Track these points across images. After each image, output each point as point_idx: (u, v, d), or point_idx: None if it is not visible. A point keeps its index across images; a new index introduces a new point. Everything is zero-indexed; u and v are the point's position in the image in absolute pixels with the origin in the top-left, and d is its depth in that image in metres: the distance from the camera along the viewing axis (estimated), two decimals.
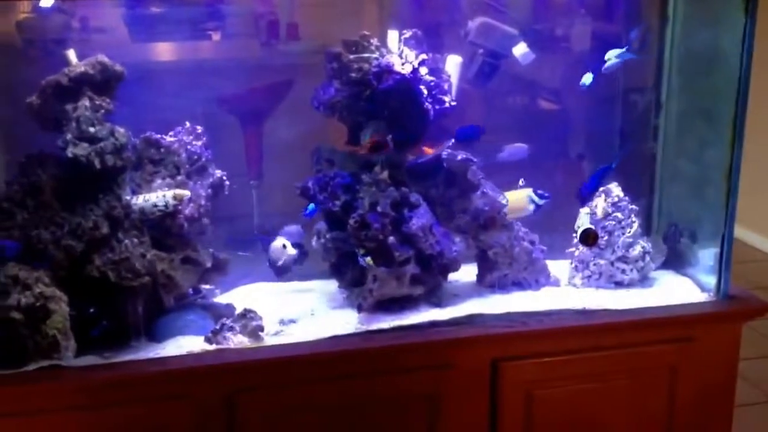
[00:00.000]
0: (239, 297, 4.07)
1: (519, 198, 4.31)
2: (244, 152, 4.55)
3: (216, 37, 4.55)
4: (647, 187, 4.72)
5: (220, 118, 4.36)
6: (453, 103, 4.09)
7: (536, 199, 4.31)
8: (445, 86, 4.12)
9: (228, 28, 4.62)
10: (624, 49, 4.41)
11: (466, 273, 4.31)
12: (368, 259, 3.88)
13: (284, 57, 4.77)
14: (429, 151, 4.08)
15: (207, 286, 4.08)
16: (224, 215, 4.01)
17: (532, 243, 4.30)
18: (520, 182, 4.32)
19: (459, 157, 4.05)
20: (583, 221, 4.05)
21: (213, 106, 4.30)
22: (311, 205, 4.11)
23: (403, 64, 3.94)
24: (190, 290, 3.96)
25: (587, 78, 4.37)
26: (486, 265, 4.30)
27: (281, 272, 3.98)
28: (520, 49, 4.34)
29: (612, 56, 4.38)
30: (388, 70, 3.90)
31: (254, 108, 4.55)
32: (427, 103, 4.00)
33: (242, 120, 4.54)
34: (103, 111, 3.62)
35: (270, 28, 4.66)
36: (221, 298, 4.02)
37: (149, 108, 4.07)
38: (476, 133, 4.18)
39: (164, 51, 4.51)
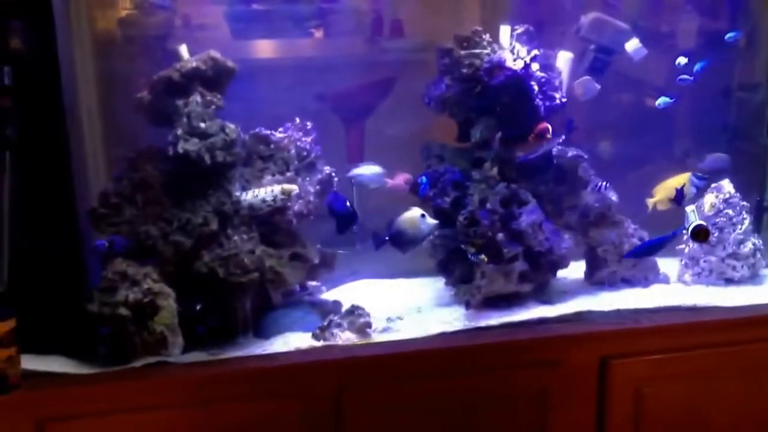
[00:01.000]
0: (345, 294, 3.78)
1: (680, 182, 3.94)
2: (347, 149, 4.16)
3: (318, 34, 4.24)
4: (759, 183, 4.29)
5: (327, 115, 4.06)
6: (563, 100, 3.70)
7: (696, 182, 3.96)
8: (556, 82, 3.74)
9: (332, 26, 4.26)
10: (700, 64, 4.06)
11: (575, 270, 3.93)
12: (482, 256, 3.55)
13: (389, 54, 4.36)
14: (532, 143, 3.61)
15: (313, 283, 3.76)
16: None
17: (641, 240, 3.87)
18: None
19: (569, 154, 3.66)
20: (693, 218, 3.49)
21: (318, 104, 4.03)
22: (423, 178, 3.71)
23: (514, 60, 3.56)
24: (297, 287, 3.64)
25: (662, 100, 4.06)
26: (595, 263, 3.92)
27: (410, 245, 3.43)
28: (633, 45, 3.95)
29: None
30: (500, 65, 3.56)
31: (357, 105, 4.20)
32: (537, 100, 3.63)
33: (344, 118, 4.18)
34: (213, 107, 3.32)
35: (374, 25, 4.24)
36: (327, 295, 3.74)
37: (257, 104, 3.78)
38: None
39: (266, 48, 4.18)
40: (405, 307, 3.66)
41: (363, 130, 4.13)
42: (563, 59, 3.83)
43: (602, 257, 3.85)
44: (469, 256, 3.55)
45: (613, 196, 3.74)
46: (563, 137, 3.67)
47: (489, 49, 3.67)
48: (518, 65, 3.55)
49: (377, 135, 4.08)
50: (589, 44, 3.93)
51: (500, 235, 3.48)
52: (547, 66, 3.74)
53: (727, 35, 4.05)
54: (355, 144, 4.09)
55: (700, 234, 3.56)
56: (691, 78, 3.95)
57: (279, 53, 4.24)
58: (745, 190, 4.04)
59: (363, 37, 4.29)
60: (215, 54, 3.32)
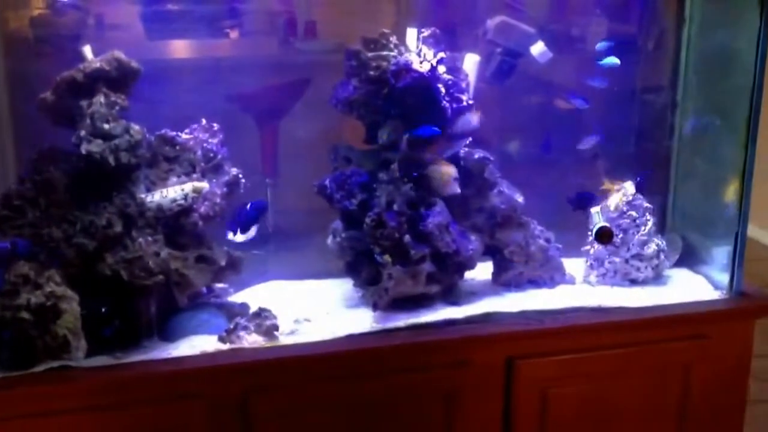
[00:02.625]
0: (253, 296, 3.72)
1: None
2: (260, 150, 4.22)
3: (233, 34, 4.19)
4: (662, 185, 4.37)
5: (237, 116, 4.07)
6: (470, 102, 3.65)
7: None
8: (463, 85, 3.73)
9: (245, 26, 4.23)
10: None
11: (482, 271, 3.94)
12: (386, 256, 3.53)
13: (303, 55, 4.42)
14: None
15: (221, 285, 3.73)
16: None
17: (547, 241, 3.94)
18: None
19: (476, 156, 3.63)
20: (597, 219, 3.54)
21: (230, 104, 4.05)
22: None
23: (421, 62, 3.53)
24: (204, 289, 3.62)
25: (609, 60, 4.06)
26: (502, 264, 3.94)
27: None
28: (538, 48, 3.98)
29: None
30: (407, 68, 3.54)
31: (270, 106, 4.24)
32: (444, 102, 3.61)
33: (258, 118, 4.22)
34: (118, 108, 3.25)
35: (288, 26, 4.11)
36: (235, 297, 3.67)
37: (165, 105, 3.75)
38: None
39: (180, 48, 4.06)
40: (313, 308, 3.61)
41: (276, 132, 4.12)
42: (470, 62, 3.83)
43: (509, 258, 3.87)
44: (375, 256, 3.52)
45: (519, 198, 3.74)
46: (469, 139, 3.67)
47: (396, 51, 3.66)
48: (424, 68, 3.53)
49: (291, 137, 4.14)
50: (496, 47, 3.94)
51: (407, 237, 3.44)
52: (454, 68, 3.73)
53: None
54: (269, 145, 4.05)
55: (603, 236, 3.61)
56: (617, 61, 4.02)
57: (194, 54, 4.25)
58: (650, 191, 4.13)
59: (277, 38, 4.34)
60: (119, 55, 3.25)
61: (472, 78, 3.84)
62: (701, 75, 4.18)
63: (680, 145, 4.32)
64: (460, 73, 3.79)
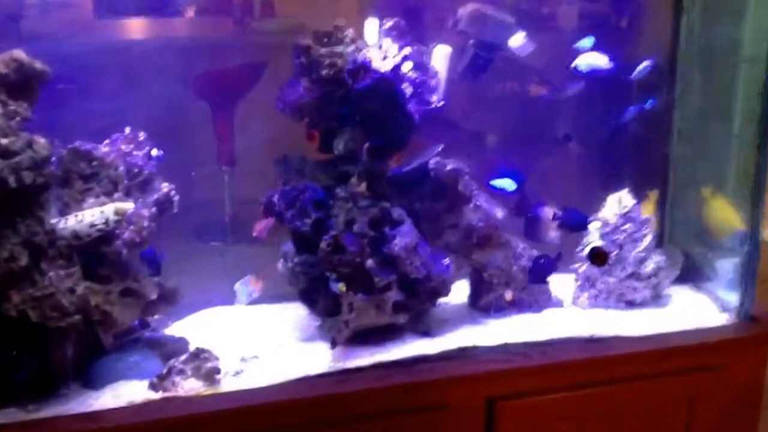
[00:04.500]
0: (196, 326, 3.37)
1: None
2: (215, 138, 3.74)
3: (187, 13, 3.74)
4: (658, 191, 3.88)
5: (191, 102, 3.65)
6: (440, 104, 3.28)
7: None
8: (432, 83, 3.32)
9: (199, 4, 3.77)
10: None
11: (458, 291, 3.51)
12: (341, 285, 3.12)
13: (259, 36, 3.84)
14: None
15: (156, 317, 3.22)
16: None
17: (531, 260, 3.51)
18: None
19: (448, 167, 3.11)
20: (592, 237, 3.03)
21: (181, 89, 3.59)
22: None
23: (383, 59, 3.13)
24: (136, 323, 3.12)
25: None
26: (480, 287, 3.50)
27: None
28: (518, 40, 3.52)
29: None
30: (365, 66, 3.14)
31: (224, 91, 3.74)
32: (410, 105, 3.22)
33: (212, 104, 3.72)
34: (18, 118, 2.73)
35: (244, 5, 3.79)
36: (174, 329, 3.30)
37: (109, 94, 3.39)
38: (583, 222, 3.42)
39: (130, 29, 3.73)
40: (263, 341, 3.23)
41: (231, 118, 3.71)
42: (441, 55, 3.39)
43: (488, 281, 3.44)
44: (330, 283, 3.13)
45: (499, 213, 3.31)
46: (441, 147, 3.24)
47: (353, 46, 3.20)
48: (386, 66, 3.10)
49: (248, 123, 3.69)
50: (469, 39, 3.48)
51: (370, 262, 3.10)
52: (422, 65, 3.30)
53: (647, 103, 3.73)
54: (224, 132, 3.70)
55: (597, 257, 3.19)
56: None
57: (143, 34, 3.74)
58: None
59: (231, 17, 3.79)
60: (20, 55, 2.73)
61: (442, 74, 3.39)
62: (702, 70, 3.77)
63: (679, 147, 3.91)
64: (429, 70, 3.34)
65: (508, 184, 3.43)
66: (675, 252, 3.74)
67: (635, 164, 3.91)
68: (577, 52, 3.59)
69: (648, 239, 3.53)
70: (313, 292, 3.32)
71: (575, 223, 3.38)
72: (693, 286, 3.77)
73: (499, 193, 3.42)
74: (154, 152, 3.02)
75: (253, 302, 3.53)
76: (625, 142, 3.91)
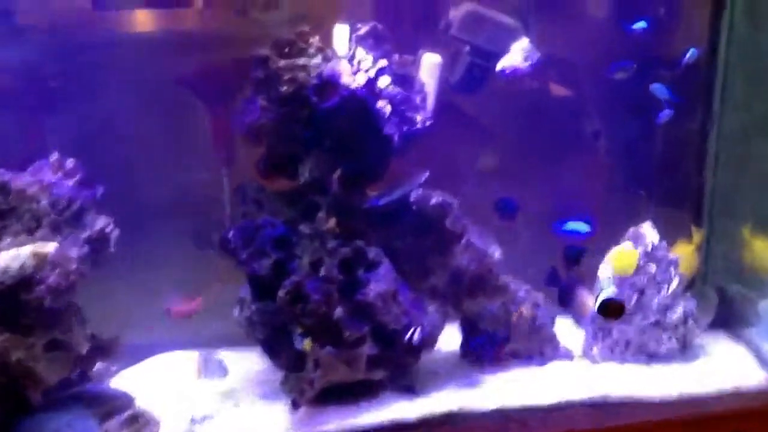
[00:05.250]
0: (148, 375, 2.99)
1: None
2: (212, 137, 3.34)
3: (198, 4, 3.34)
4: (691, 220, 3.43)
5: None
6: (428, 123, 2.84)
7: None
8: (417, 99, 2.88)
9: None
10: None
11: (449, 337, 3.06)
12: (305, 342, 2.72)
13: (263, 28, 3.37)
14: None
15: (98, 366, 2.82)
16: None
17: (536, 306, 3.08)
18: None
19: (432, 200, 2.58)
20: (605, 285, 2.52)
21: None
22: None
23: (354, 72, 2.63)
24: (74, 374, 2.72)
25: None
26: (473, 336, 3.06)
27: None
28: (521, 48, 3.01)
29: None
30: (332, 82, 2.69)
31: (221, 86, 3.29)
32: (388, 126, 2.79)
33: (207, 100, 3.31)
34: None
35: None
36: (124, 377, 2.93)
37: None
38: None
39: (131, 20, 3.36)
40: (218, 396, 2.88)
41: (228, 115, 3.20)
42: (429, 65, 2.98)
43: (482, 330, 3.03)
44: (294, 339, 2.74)
45: (496, 253, 2.84)
46: (425, 175, 2.83)
47: (319, 57, 2.77)
48: (358, 80, 2.68)
49: None
50: (463, 46, 3.06)
51: (339, 311, 2.70)
52: (405, 78, 2.89)
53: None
54: (221, 130, 3.29)
55: (610, 311, 2.69)
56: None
57: (145, 26, 3.38)
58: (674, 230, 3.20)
59: (233, 8, 3.40)
60: None
61: (431, 87, 2.97)
62: (747, 80, 3.26)
63: (716, 171, 3.43)
64: (414, 84, 2.93)
65: (581, 227, 2.98)
66: (708, 293, 3.33)
67: (662, 190, 3.33)
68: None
69: (675, 283, 3.09)
70: (274, 343, 2.88)
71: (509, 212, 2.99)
72: (730, 334, 3.32)
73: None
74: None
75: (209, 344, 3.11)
76: (652, 162, 3.33)
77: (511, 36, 3.02)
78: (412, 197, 2.83)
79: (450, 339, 3.11)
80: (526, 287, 3.04)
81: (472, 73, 3.02)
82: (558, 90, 3.43)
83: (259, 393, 2.93)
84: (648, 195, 3.39)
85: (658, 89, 3.12)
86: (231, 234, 2.79)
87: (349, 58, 2.77)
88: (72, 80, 3.08)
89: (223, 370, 2.92)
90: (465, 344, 3.09)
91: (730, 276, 3.37)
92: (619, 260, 2.97)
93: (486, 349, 2.99)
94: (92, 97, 3.08)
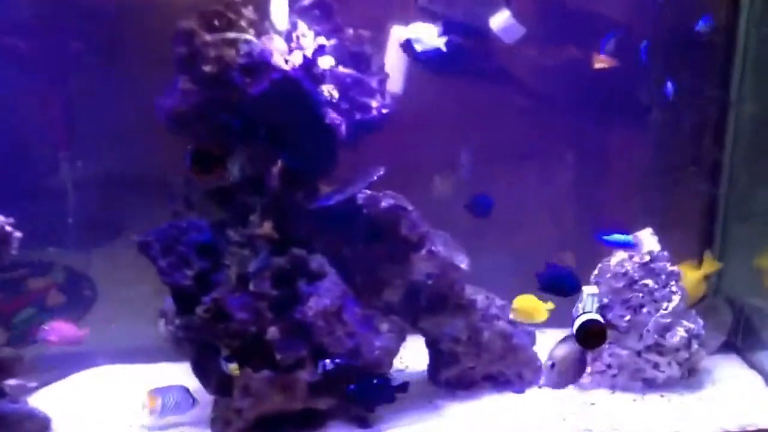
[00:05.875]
0: (71, 392, 2.69)
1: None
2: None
3: None
4: (703, 221, 3.07)
5: None
6: (384, 111, 2.42)
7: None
8: (373, 83, 2.50)
9: None
10: None
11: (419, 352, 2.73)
12: (232, 366, 2.36)
13: None
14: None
15: (12, 383, 2.51)
16: None
17: (512, 323, 2.67)
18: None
19: (384, 203, 2.12)
20: (588, 306, 2.09)
21: None
22: None
23: (290, 51, 2.29)
24: None
25: None
26: (440, 358, 2.69)
27: None
28: (502, 20, 2.67)
29: None
30: (263, 62, 2.29)
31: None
32: (332, 114, 2.38)
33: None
34: None
35: None
36: (44, 395, 2.64)
37: None
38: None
39: None
40: (143, 422, 2.53)
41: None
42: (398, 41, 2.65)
43: (448, 352, 2.63)
44: (221, 361, 2.38)
45: (462, 263, 2.48)
46: (380, 172, 2.45)
47: (252, 32, 2.35)
48: (294, 60, 2.31)
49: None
50: (434, 20, 2.67)
51: (273, 331, 2.36)
52: (360, 57, 2.50)
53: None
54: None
55: (589, 337, 2.24)
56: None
57: None
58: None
59: None
60: None
61: (396, 68, 2.64)
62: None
63: (735, 164, 3.05)
64: (371, 63, 2.53)
65: (625, 239, 2.63)
66: (721, 308, 3.00)
67: (671, 188, 2.87)
68: None
69: (676, 300, 2.71)
70: (202, 363, 2.53)
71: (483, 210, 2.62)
72: (745, 358, 2.96)
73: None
74: None
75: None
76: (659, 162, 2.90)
77: (490, 8, 2.54)
78: (359, 200, 2.38)
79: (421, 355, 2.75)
80: (502, 302, 2.56)
81: (447, 51, 2.56)
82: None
83: (189, 418, 2.55)
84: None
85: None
86: (151, 238, 2.36)
87: (286, 35, 2.29)
88: None
89: (187, 404, 2.50)
90: (433, 365, 2.62)
91: (747, 287, 3.01)
92: (522, 303, 2.52)
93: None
94: None
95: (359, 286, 2.55)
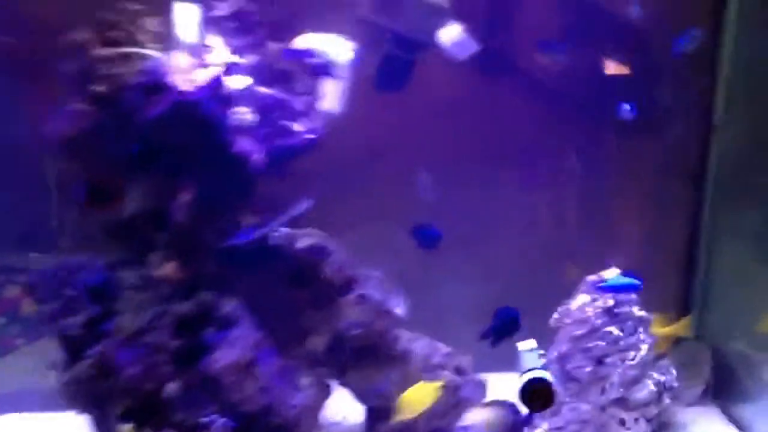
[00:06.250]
0: None
1: None
2: None
3: None
4: (681, 261, 2.85)
5: None
6: (310, 136, 2.20)
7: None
8: (300, 104, 2.24)
9: None
10: None
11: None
12: (126, 428, 2.08)
13: None
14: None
15: None
16: None
17: (459, 371, 2.40)
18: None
19: (301, 244, 1.84)
20: (529, 363, 2.06)
21: None
22: None
23: (195, 67, 2.04)
24: None
25: None
26: (376, 414, 2.39)
27: None
28: (452, 34, 2.34)
29: None
30: (160, 82, 2.01)
31: None
32: (242, 141, 2.11)
33: None
34: None
35: None
36: None
37: None
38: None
39: None
40: None
41: None
42: (335, 55, 2.32)
43: (380, 407, 2.34)
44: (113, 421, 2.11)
45: (398, 308, 2.29)
46: (307, 205, 2.23)
47: (153, 47, 2.07)
48: (198, 79, 2.02)
49: None
50: (378, 33, 2.37)
51: (172, 387, 2.08)
52: (287, 75, 2.25)
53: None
54: None
55: (534, 398, 2.01)
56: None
57: None
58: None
59: None
60: None
61: (337, 85, 2.31)
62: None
63: (716, 191, 2.83)
64: (298, 82, 2.28)
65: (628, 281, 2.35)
66: (700, 354, 2.72)
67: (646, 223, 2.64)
68: None
69: (645, 349, 2.44)
70: (98, 420, 2.22)
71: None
72: (726, 411, 2.69)
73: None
74: None
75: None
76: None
77: (439, 21, 2.34)
78: (273, 240, 2.09)
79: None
80: (447, 350, 2.26)
81: (390, 67, 2.28)
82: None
83: None
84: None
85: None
86: (36, 279, 2.08)
87: (194, 50, 2.00)
88: None
89: None
90: (368, 420, 2.37)
91: (729, 331, 2.73)
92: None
93: None
94: None
95: (280, 335, 2.25)
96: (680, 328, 2.45)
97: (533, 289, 2.72)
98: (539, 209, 2.89)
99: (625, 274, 2.41)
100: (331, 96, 2.33)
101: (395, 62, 2.42)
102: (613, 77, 2.72)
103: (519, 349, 2.28)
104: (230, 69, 2.11)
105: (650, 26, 2.74)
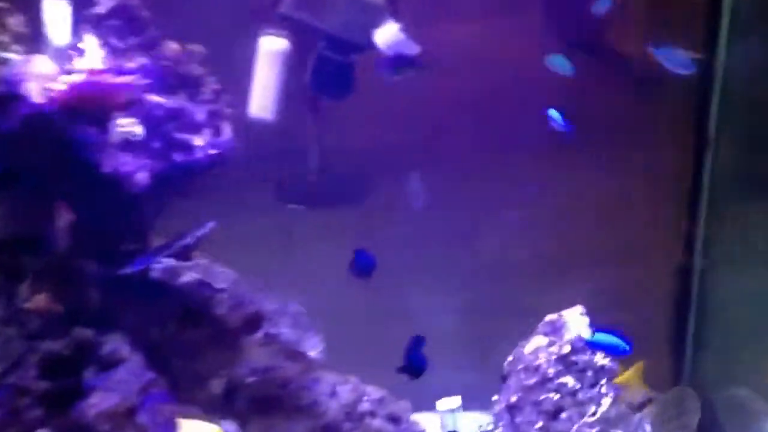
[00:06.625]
0: None
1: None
2: None
3: None
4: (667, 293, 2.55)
5: None
6: (213, 152, 1.92)
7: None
8: (201, 114, 1.96)
9: None
10: None
11: None
12: None
13: None
14: None
15: None
16: None
17: (393, 420, 2.12)
18: None
19: (185, 278, 1.52)
20: (447, 423, 1.56)
21: None
22: None
23: (59, 74, 1.76)
24: None
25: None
26: None
27: None
28: (388, 35, 2.05)
29: None
30: (13, 92, 1.74)
31: None
32: (112, 159, 1.82)
33: None
34: None
35: None
36: None
37: None
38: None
39: None
40: None
41: None
42: (266, 53, 2.08)
43: None
44: None
45: (314, 350, 2.01)
46: (209, 228, 1.94)
47: (15, 49, 1.81)
48: (57, 88, 1.73)
49: None
50: (300, 29, 2.09)
51: None
52: (187, 79, 1.97)
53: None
54: None
55: None
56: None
57: None
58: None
59: None
60: None
61: (270, 85, 2.06)
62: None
63: (711, 215, 2.53)
64: (201, 88, 2.00)
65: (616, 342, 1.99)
66: (687, 401, 2.29)
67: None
68: None
69: (607, 403, 2.11)
70: None
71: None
72: None
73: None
74: None
75: None
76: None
77: (372, 19, 2.08)
78: (155, 273, 1.81)
79: None
80: (378, 395, 1.98)
81: (323, 70, 2.00)
82: None
83: None
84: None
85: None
86: None
87: (60, 53, 1.73)
88: None
89: None
90: None
91: (723, 375, 2.43)
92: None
93: None
94: None
95: (178, 378, 1.97)
96: (630, 376, 2.12)
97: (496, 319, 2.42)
98: (514, 233, 2.58)
99: (603, 329, 2.08)
100: (261, 100, 2.06)
101: (327, 64, 2.14)
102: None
103: (437, 408, 2.00)
104: (112, 73, 1.84)
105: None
